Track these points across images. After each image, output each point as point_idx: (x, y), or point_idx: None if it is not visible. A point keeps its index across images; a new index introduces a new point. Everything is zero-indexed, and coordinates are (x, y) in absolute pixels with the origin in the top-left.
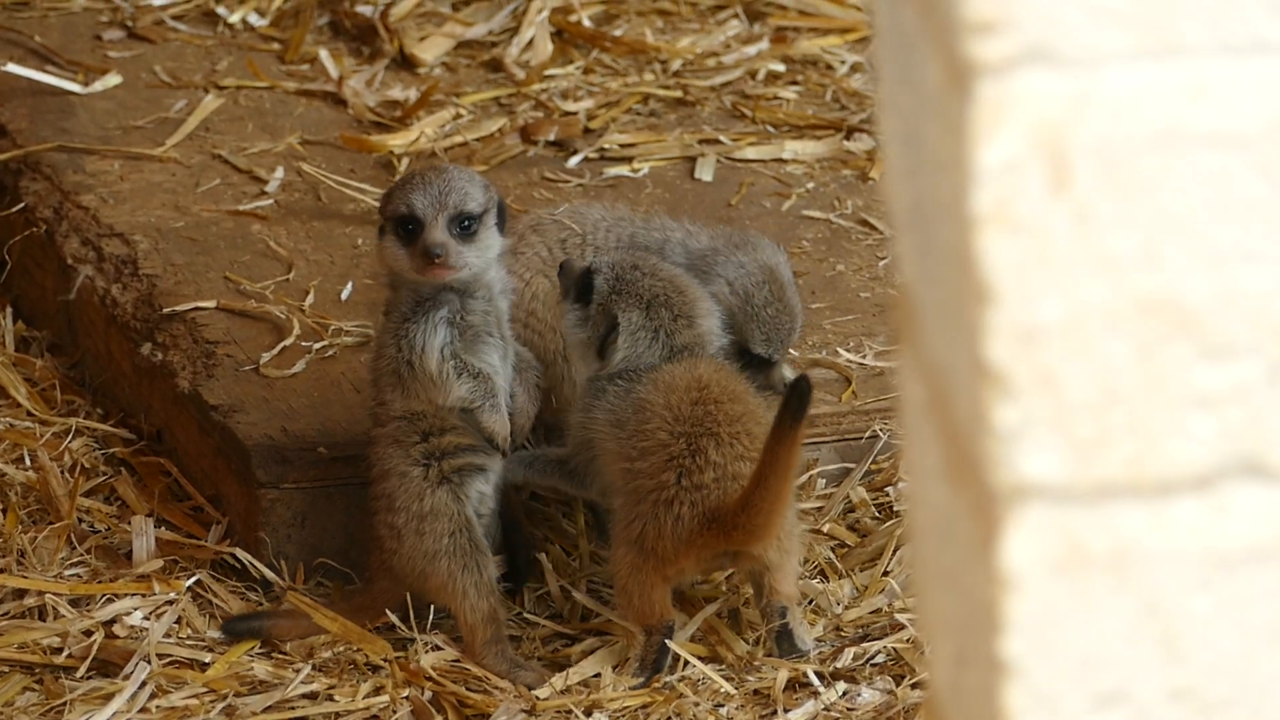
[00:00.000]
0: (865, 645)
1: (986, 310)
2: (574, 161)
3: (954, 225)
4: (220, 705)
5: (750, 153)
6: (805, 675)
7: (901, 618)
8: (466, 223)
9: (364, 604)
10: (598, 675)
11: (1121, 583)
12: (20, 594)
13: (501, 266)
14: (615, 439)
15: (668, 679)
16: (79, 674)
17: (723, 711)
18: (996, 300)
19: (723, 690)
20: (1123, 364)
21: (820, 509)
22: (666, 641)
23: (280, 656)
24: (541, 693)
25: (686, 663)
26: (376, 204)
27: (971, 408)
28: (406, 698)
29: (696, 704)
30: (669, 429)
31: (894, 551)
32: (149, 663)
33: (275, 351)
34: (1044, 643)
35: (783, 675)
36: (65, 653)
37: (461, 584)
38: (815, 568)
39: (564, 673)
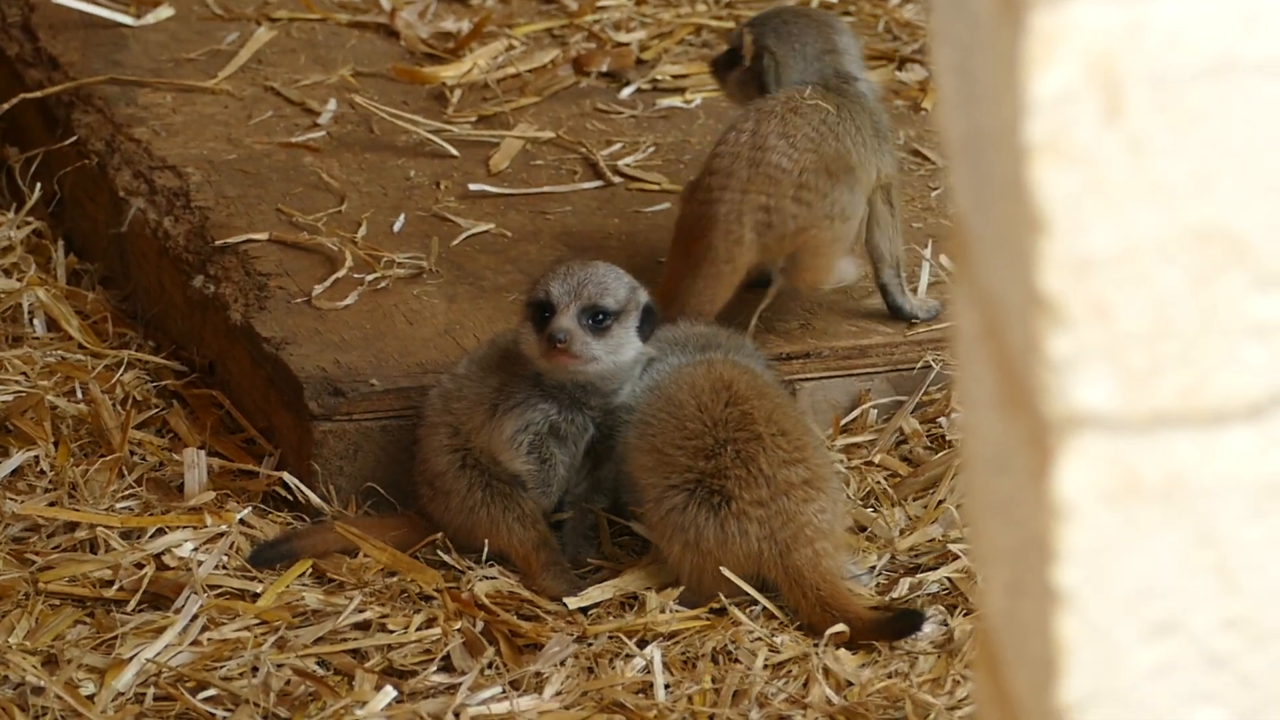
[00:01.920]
0: (920, 576)
1: (1040, 240)
2: (626, 93)
3: (1007, 155)
4: (272, 637)
5: None
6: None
7: (956, 548)
8: (601, 316)
9: (408, 534)
10: (639, 595)
11: (1175, 512)
12: (72, 527)
13: (640, 379)
14: (643, 435)
15: (723, 602)
16: (130, 607)
17: (778, 640)
18: (1050, 230)
19: (777, 619)
20: (1176, 294)
21: (873, 441)
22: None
23: (332, 581)
24: (575, 602)
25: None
26: (429, 135)
27: (1025, 337)
28: (459, 629)
29: (751, 633)
30: (712, 434)
31: (948, 481)
32: (200, 595)
33: (328, 284)
34: (1097, 572)
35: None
36: (116, 585)
37: (505, 524)
38: (869, 494)
39: (603, 584)
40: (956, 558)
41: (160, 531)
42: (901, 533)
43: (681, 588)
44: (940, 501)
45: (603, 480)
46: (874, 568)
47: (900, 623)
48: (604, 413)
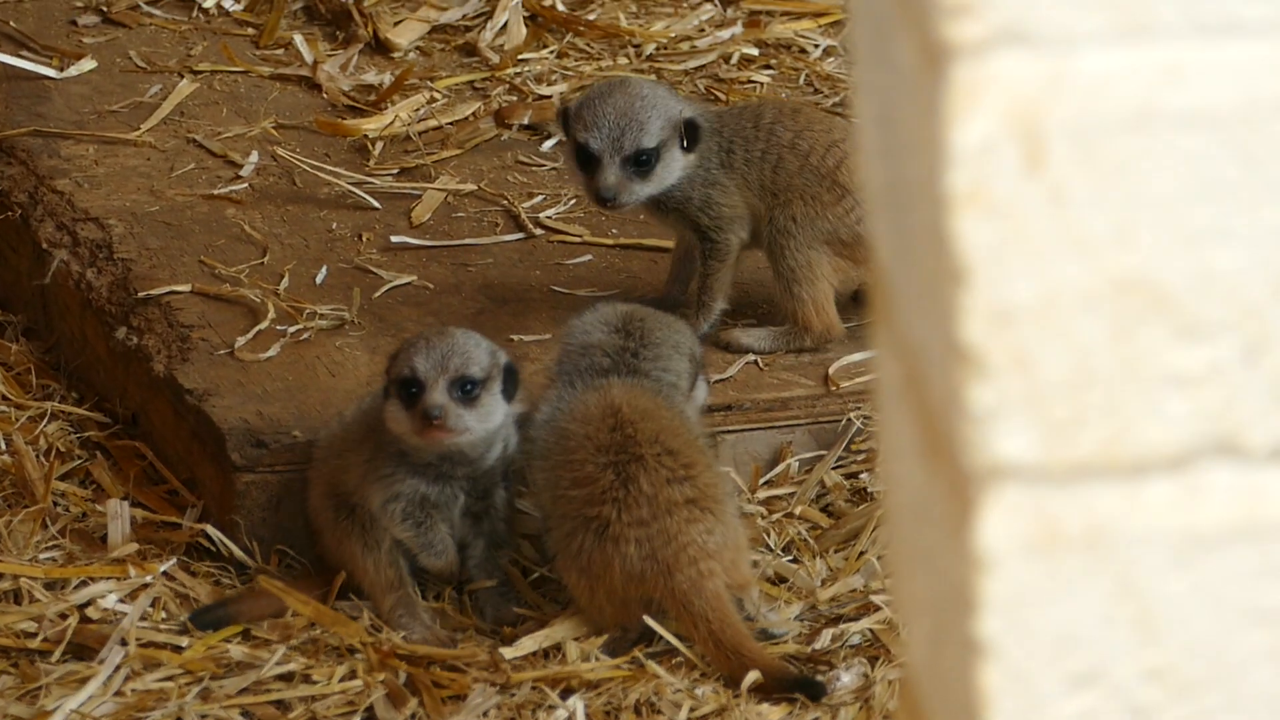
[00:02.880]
0: (843, 626)
1: (961, 290)
2: (548, 145)
3: (928, 206)
4: (196, 688)
5: None
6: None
7: (877, 599)
8: (469, 386)
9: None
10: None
11: (1096, 563)
12: None
13: (508, 440)
14: (541, 471)
15: (639, 654)
16: (54, 658)
17: (699, 693)
18: (971, 280)
19: (698, 671)
20: (1097, 344)
21: (793, 493)
22: (645, 630)
23: (256, 638)
24: (509, 653)
25: (658, 638)
26: (351, 187)
27: (946, 388)
28: (382, 680)
29: (672, 685)
30: (595, 460)
31: (869, 533)
32: (125, 646)
33: (250, 335)
34: (1019, 622)
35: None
36: (40, 636)
37: (362, 562)
38: (789, 546)
39: (534, 634)
40: (878, 609)
41: (84, 583)
42: (823, 583)
43: (605, 635)
44: (862, 553)
45: (495, 534)
46: (799, 617)
47: (802, 688)
48: (471, 479)
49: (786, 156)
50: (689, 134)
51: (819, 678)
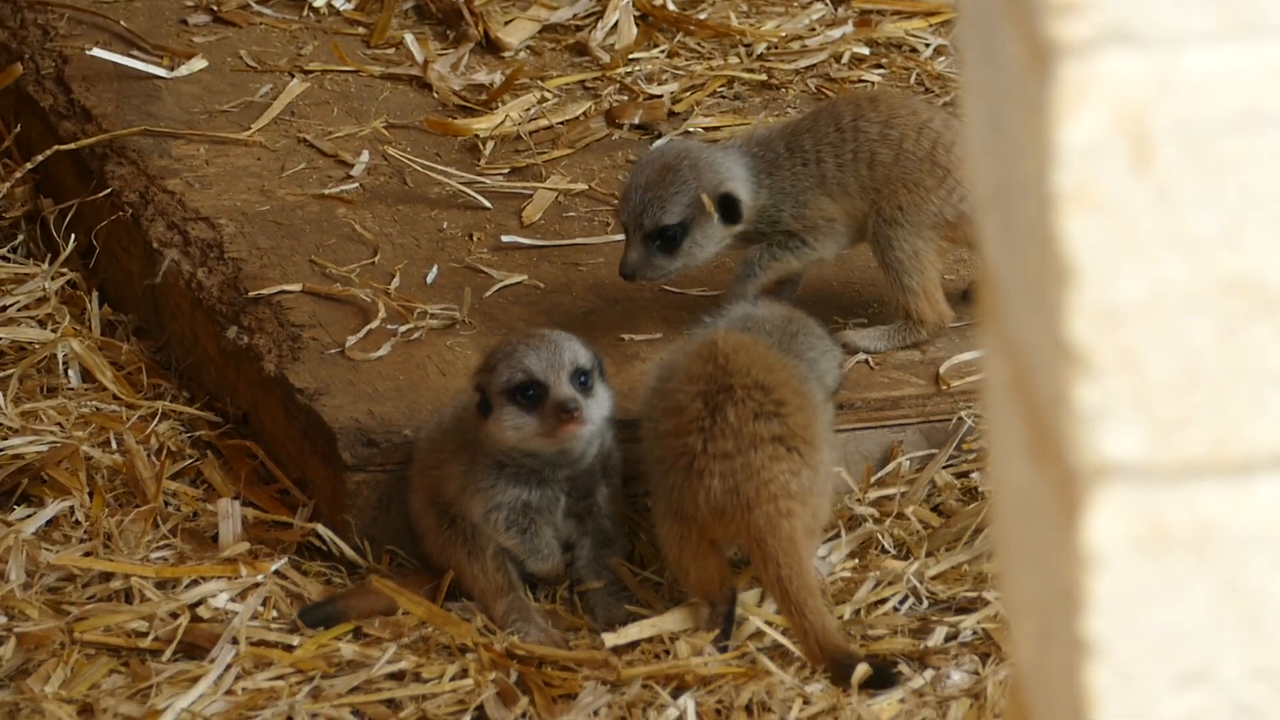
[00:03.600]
0: (954, 619)
1: (1068, 290)
2: (659, 144)
3: (1036, 205)
4: (307, 687)
5: None
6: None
7: (989, 595)
8: (583, 377)
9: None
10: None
11: (1203, 562)
12: (107, 577)
13: (605, 436)
14: (644, 411)
15: (750, 649)
16: (165, 657)
17: (809, 690)
18: (1078, 280)
19: (809, 669)
20: (1204, 344)
21: (904, 492)
22: (733, 608)
23: (367, 636)
24: (611, 639)
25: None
26: (462, 187)
27: (1053, 387)
28: (493, 680)
29: (784, 683)
30: (686, 389)
31: (978, 533)
32: (235, 644)
33: (361, 335)
34: (1127, 622)
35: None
36: (151, 636)
37: (470, 569)
38: (900, 547)
39: (640, 622)
40: (987, 603)
41: (195, 582)
42: (932, 578)
43: (715, 631)
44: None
45: (601, 533)
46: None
47: (846, 669)
48: (571, 480)
49: (880, 150)
50: (726, 209)
51: (891, 666)
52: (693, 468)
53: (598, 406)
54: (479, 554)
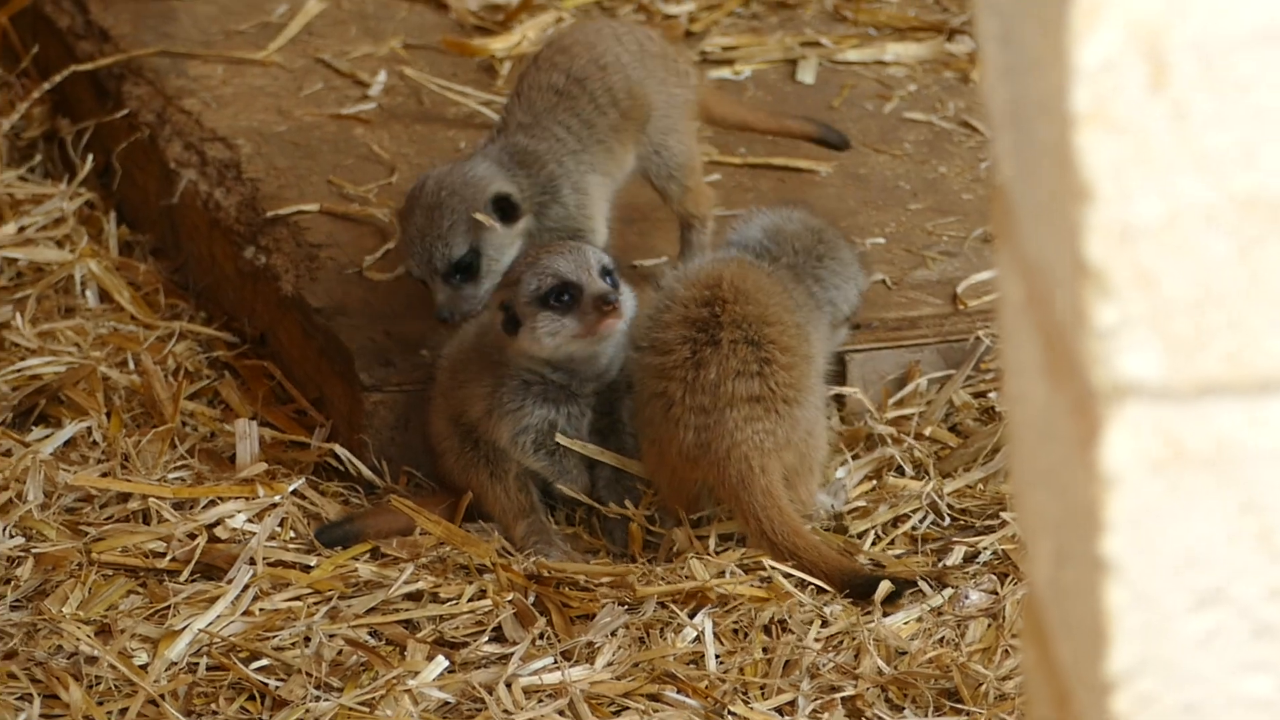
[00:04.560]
0: (972, 539)
1: (1085, 209)
2: None
3: (1052, 124)
4: (324, 608)
5: (852, 55)
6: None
7: (1007, 515)
8: (609, 275)
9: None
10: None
11: (1221, 481)
12: (124, 498)
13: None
14: (642, 324)
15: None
16: (183, 577)
17: (829, 611)
18: (1095, 198)
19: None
20: (1221, 262)
21: (922, 413)
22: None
23: (385, 556)
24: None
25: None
26: (479, 106)
27: (1070, 306)
28: (510, 600)
29: (801, 604)
30: (678, 329)
31: (995, 453)
32: (253, 565)
33: (378, 254)
34: (1144, 541)
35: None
36: (169, 556)
37: (491, 490)
38: (918, 467)
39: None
40: (1005, 524)
41: (212, 502)
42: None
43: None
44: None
45: (624, 449)
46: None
47: (873, 588)
48: (597, 394)
49: (613, 80)
50: (505, 211)
51: (887, 577)
52: (669, 414)
53: (629, 301)
54: (502, 475)
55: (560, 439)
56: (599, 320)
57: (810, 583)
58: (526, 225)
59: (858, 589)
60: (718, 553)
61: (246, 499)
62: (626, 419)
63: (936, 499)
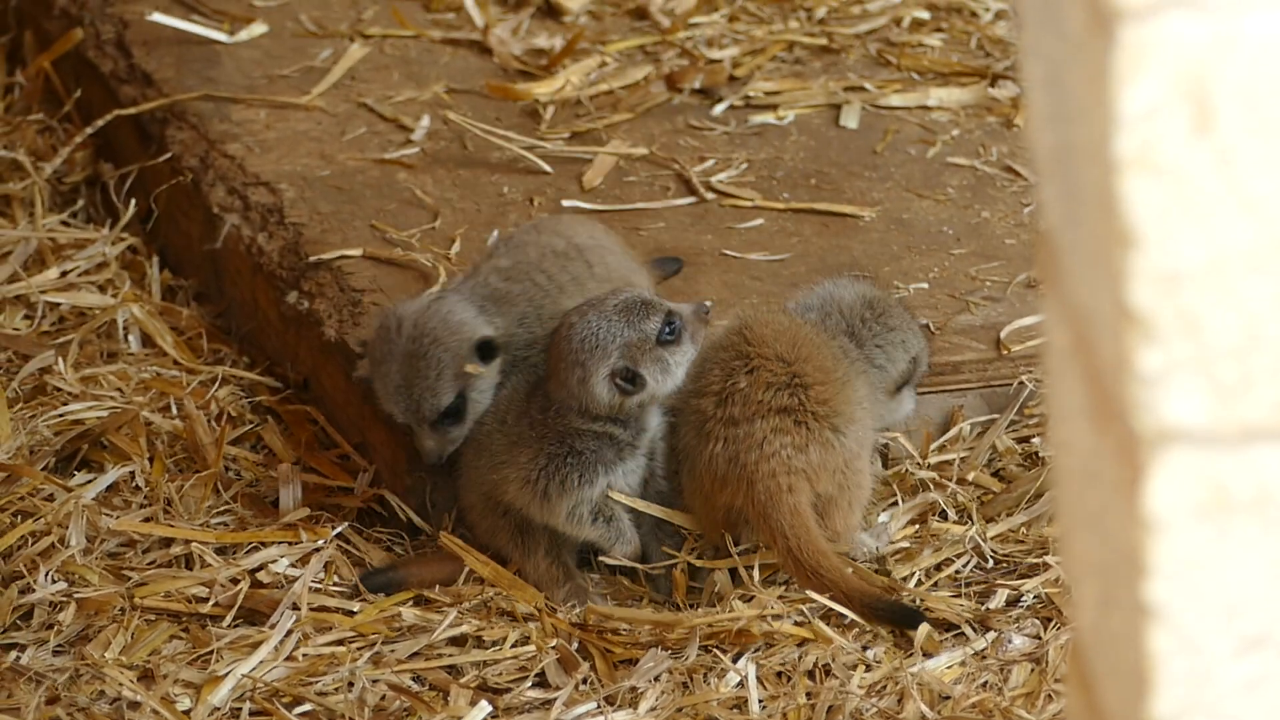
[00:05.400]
0: (1015, 583)
1: (1130, 254)
2: (719, 109)
3: (1097, 169)
4: (368, 652)
5: (895, 100)
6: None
7: (1050, 559)
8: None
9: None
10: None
11: (1265, 526)
12: (167, 543)
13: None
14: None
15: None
16: (226, 622)
17: (869, 655)
18: (1140, 244)
19: (870, 633)
20: (1266, 307)
21: (965, 458)
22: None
23: (429, 601)
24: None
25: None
26: (522, 151)
27: (1115, 351)
28: (554, 645)
29: (844, 648)
30: (712, 356)
31: (1039, 498)
32: (296, 610)
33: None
34: (1189, 586)
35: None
36: (212, 601)
37: (530, 561)
38: (961, 512)
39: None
40: (1049, 567)
41: (256, 547)
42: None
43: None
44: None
45: (662, 494)
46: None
47: (898, 615)
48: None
49: (594, 259)
50: (485, 353)
51: (912, 604)
52: (703, 430)
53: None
54: (533, 551)
55: (613, 494)
56: (702, 329)
57: (853, 622)
58: (501, 363)
59: (882, 614)
60: (763, 584)
61: (290, 544)
62: (662, 461)
63: (980, 541)
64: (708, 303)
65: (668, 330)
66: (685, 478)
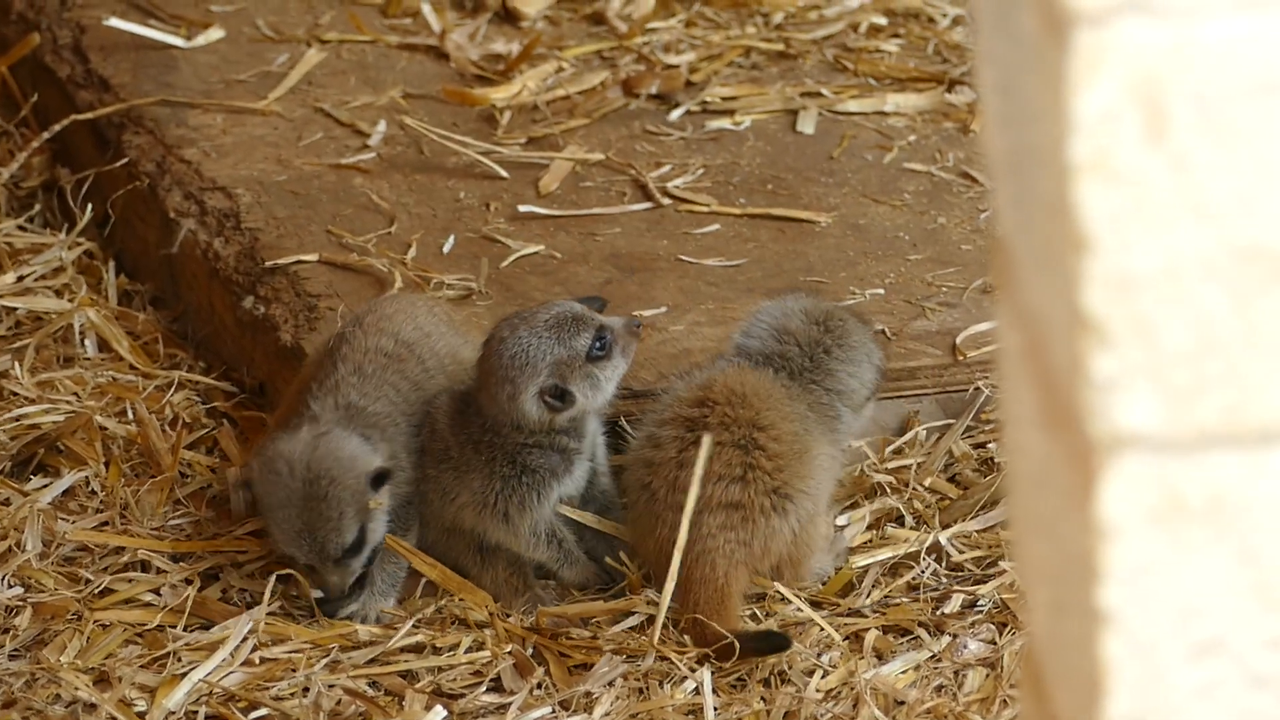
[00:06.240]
0: (971, 588)
1: (1083, 259)
2: (676, 115)
3: (1051, 174)
4: (324, 659)
5: (852, 105)
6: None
7: (1006, 564)
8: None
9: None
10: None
11: (1219, 532)
12: (123, 548)
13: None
14: (646, 418)
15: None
16: (180, 627)
17: (824, 660)
18: (1093, 249)
19: (823, 643)
20: (1220, 313)
21: (921, 463)
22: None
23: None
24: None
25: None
26: (479, 156)
27: (1068, 356)
28: (509, 651)
29: (800, 654)
30: (671, 428)
31: (995, 503)
32: (251, 617)
33: None
34: (1141, 592)
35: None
36: (166, 608)
37: (488, 574)
38: (918, 518)
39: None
40: (1004, 573)
41: (211, 554)
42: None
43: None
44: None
45: (606, 494)
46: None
47: (766, 641)
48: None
49: (424, 353)
50: (377, 483)
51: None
52: (651, 508)
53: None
54: (491, 565)
55: (564, 510)
56: (634, 343)
57: (808, 632)
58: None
59: (752, 645)
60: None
61: (243, 551)
62: (603, 460)
63: (940, 543)
64: (636, 319)
65: (598, 346)
66: (634, 537)
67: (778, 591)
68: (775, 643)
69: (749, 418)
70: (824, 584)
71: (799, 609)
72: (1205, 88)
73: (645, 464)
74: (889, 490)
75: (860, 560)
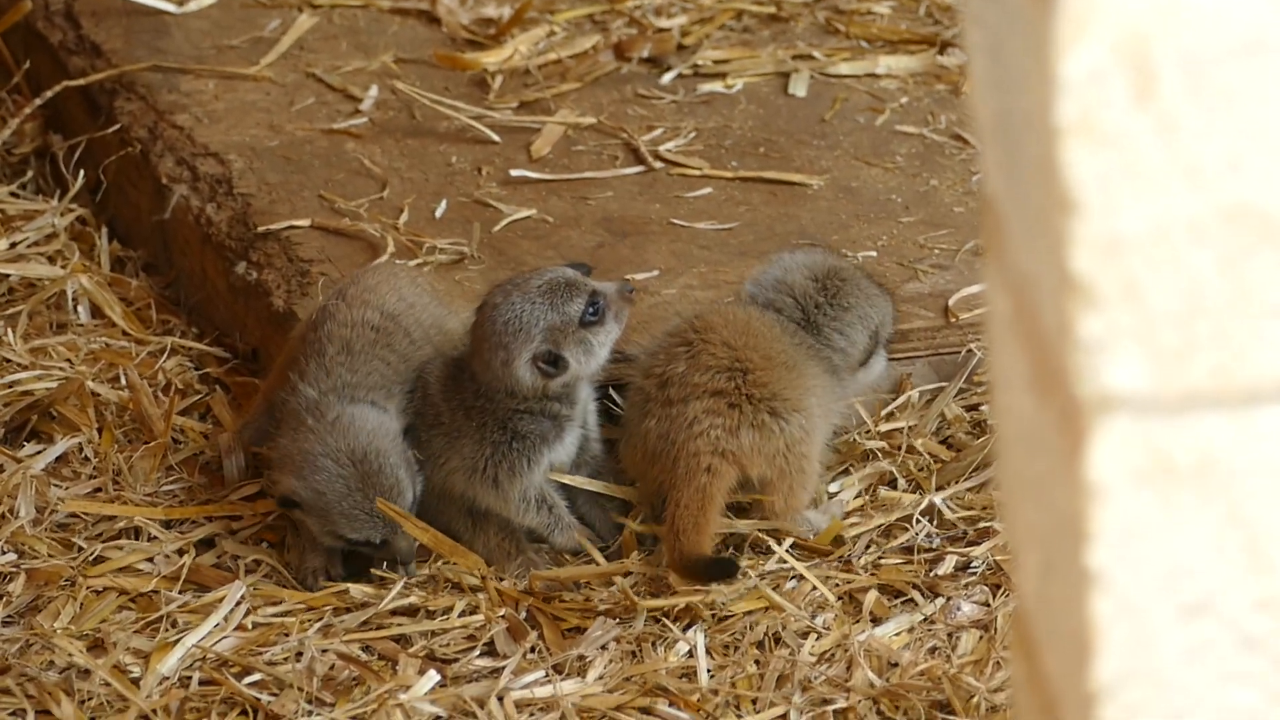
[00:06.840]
0: (964, 550)
1: (1071, 221)
2: (668, 78)
3: (1038, 136)
4: (317, 623)
5: (844, 68)
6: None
7: (998, 526)
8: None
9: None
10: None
11: (1207, 493)
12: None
13: None
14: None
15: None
16: (174, 592)
17: (818, 621)
18: (1081, 211)
19: (815, 603)
20: (1207, 274)
21: (914, 426)
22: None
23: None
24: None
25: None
26: (471, 120)
27: (1057, 319)
28: (502, 615)
29: (795, 617)
30: (664, 341)
31: (987, 465)
32: (244, 581)
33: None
34: (1130, 553)
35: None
36: (160, 574)
37: (481, 536)
38: (911, 480)
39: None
40: (997, 534)
41: (204, 520)
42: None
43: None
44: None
45: (597, 458)
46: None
47: (714, 568)
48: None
49: (410, 324)
50: (409, 437)
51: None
52: (643, 408)
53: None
54: (485, 527)
55: (556, 475)
56: (627, 308)
57: (804, 593)
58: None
59: (699, 571)
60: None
61: (235, 517)
62: (594, 426)
63: (936, 503)
64: (628, 284)
65: (591, 311)
66: (623, 449)
67: (770, 536)
68: (724, 568)
69: (739, 329)
70: (814, 536)
71: (790, 567)
72: (1193, 48)
73: (640, 373)
74: (880, 456)
75: (855, 530)
